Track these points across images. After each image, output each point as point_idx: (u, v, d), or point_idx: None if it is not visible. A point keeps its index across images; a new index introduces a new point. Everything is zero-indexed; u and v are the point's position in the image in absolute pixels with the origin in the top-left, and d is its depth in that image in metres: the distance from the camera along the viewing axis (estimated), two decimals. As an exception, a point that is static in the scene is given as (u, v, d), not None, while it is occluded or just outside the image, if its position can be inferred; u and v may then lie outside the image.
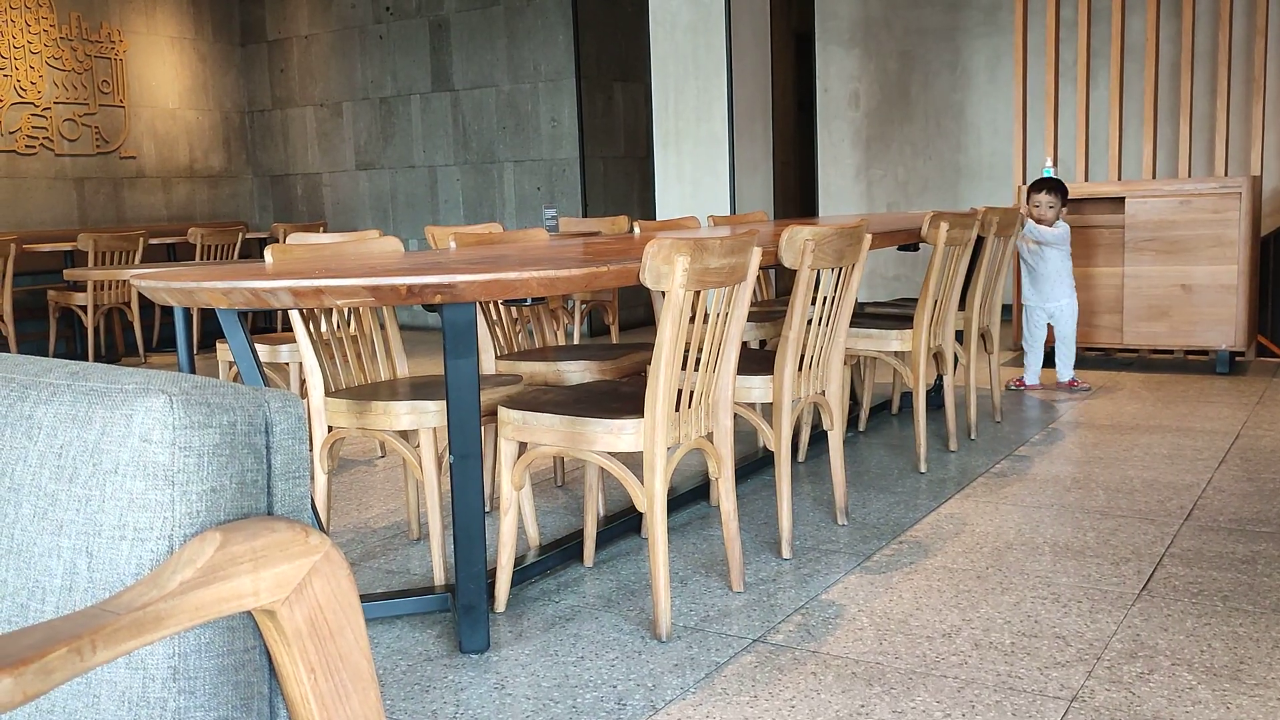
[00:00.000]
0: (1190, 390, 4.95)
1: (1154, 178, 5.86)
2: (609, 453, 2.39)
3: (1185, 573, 2.66)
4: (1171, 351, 5.56)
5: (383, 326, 3.04)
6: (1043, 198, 4.87)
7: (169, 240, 7.98)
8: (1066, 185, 4.96)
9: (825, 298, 2.93)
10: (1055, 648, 2.25)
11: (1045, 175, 5.12)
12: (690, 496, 3.43)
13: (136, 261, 7.21)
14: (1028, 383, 5.10)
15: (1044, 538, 2.96)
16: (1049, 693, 2.05)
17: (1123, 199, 5.45)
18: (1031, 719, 1.96)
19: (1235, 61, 5.84)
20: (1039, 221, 4.87)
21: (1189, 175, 5.83)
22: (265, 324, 8.14)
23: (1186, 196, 5.28)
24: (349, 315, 2.97)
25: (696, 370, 2.44)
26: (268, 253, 2.78)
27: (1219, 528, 2.99)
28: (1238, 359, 5.46)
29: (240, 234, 8.08)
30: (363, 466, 4.09)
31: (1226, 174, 5.71)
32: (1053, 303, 5.03)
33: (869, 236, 3.02)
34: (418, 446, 2.66)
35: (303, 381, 2.86)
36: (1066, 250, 4.94)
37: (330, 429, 2.72)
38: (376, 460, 4.18)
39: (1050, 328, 5.13)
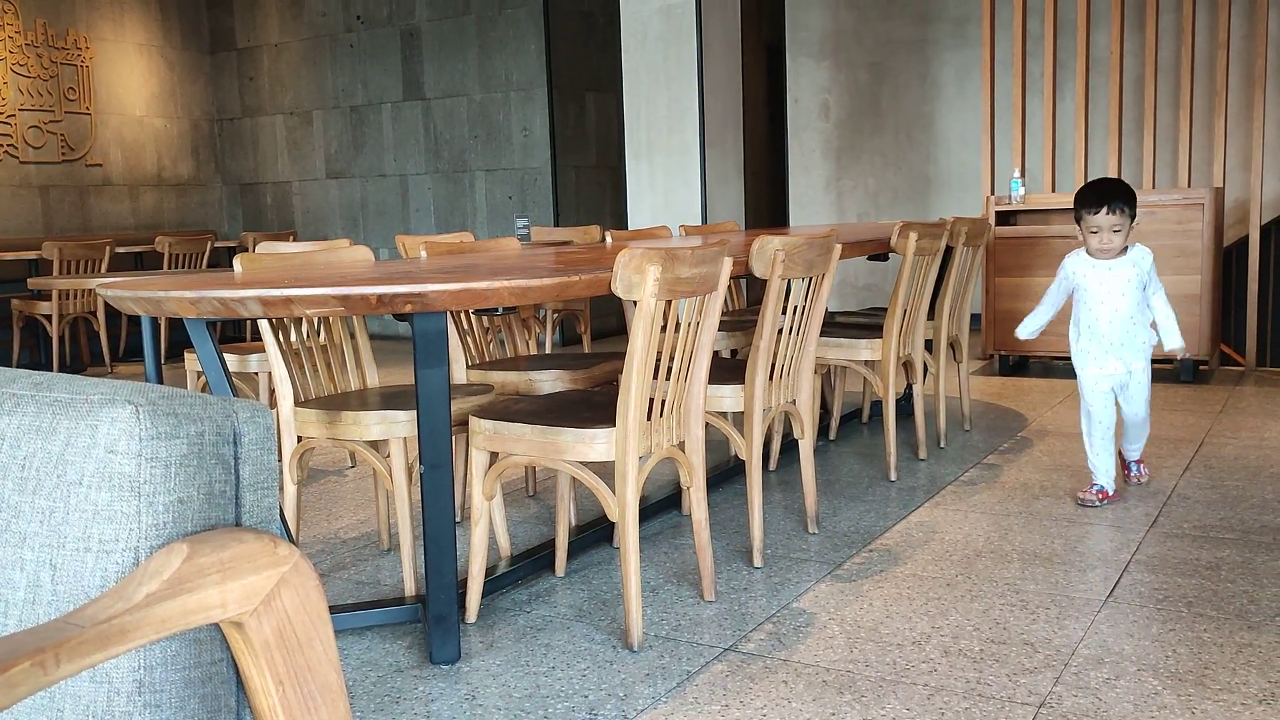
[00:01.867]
0: (1155, 399, 5.00)
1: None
2: (581, 462, 2.38)
3: (1150, 579, 2.69)
4: (1137, 360, 5.61)
5: (353, 336, 3.02)
6: (1103, 219, 3.16)
7: (136, 249, 7.91)
8: (1132, 191, 3.26)
9: (796, 307, 2.95)
10: (1023, 654, 2.27)
11: (1100, 181, 3.32)
12: (662, 506, 3.43)
13: (103, 270, 7.14)
14: (1105, 489, 3.33)
15: (1012, 545, 2.98)
16: (1017, 699, 2.07)
17: (1089, 210, 5.50)
18: (1000, 726, 1.97)
19: (1198, 75, 5.93)
20: (1100, 253, 3.22)
21: (1153, 187, 5.90)
22: (234, 334, 8.08)
23: (1151, 208, 5.35)
24: (319, 325, 2.96)
25: (668, 379, 2.44)
26: (236, 262, 2.76)
27: (1184, 535, 3.02)
28: (1201, 368, 5.53)
29: (209, 243, 8.02)
30: (333, 477, 4.07)
31: (1189, 186, 5.79)
32: (1121, 365, 3.28)
33: (839, 246, 3.04)
34: (388, 456, 2.65)
35: (272, 391, 2.84)
36: (1155, 288, 3.30)
37: (300, 439, 2.70)
38: (347, 471, 4.15)
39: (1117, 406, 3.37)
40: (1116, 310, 3.24)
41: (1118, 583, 2.67)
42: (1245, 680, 2.13)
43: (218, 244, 8.43)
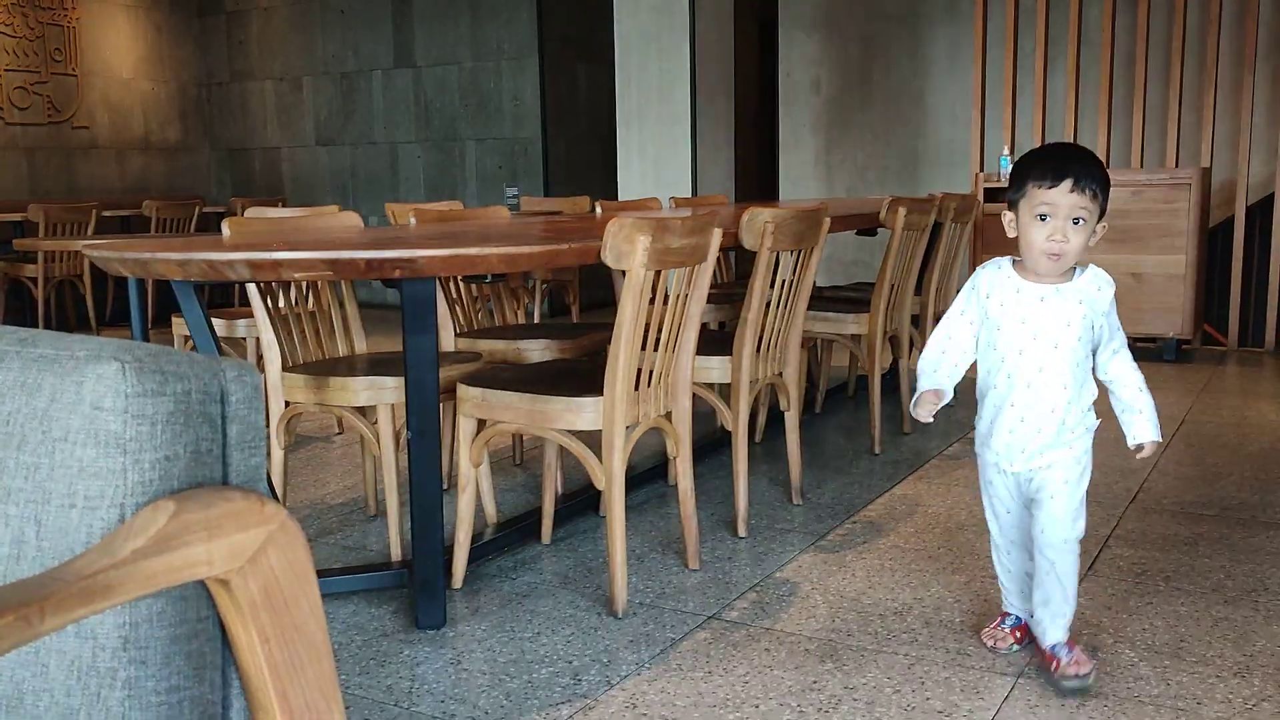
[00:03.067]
0: (1140, 377, 5.03)
1: (1108, 167, 5.93)
2: (568, 431, 2.39)
3: (1129, 554, 2.72)
4: (1123, 339, 5.64)
5: (342, 304, 3.01)
6: (1063, 197, 1.91)
7: (123, 213, 7.85)
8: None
9: (784, 280, 2.95)
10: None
11: (1060, 145, 2.06)
12: (648, 476, 3.44)
13: (89, 234, 7.08)
14: (1021, 623, 2.20)
15: (995, 519, 3.01)
16: (997, 669, 2.09)
17: (1078, 187, 5.51)
18: (980, 694, 1.99)
19: (1188, 54, 5.92)
20: (1043, 259, 1.94)
21: (1141, 166, 5.91)
22: (222, 300, 8.04)
23: (1138, 187, 5.37)
24: (307, 291, 2.95)
25: (656, 350, 2.45)
26: (225, 225, 2.75)
27: (1163, 510, 3.05)
28: (1184, 347, 5.56)
29: (196, 208, 7.96)
30: (320, 443, 4.07)
31: (1177, 165, 5.80)
32: (1037, 460, 2.03)
33: (828, 220, 3.04)
34: (375, 423, 2.65)
35: (259, 357, 2.84)
36: (1117, 340, 2.06)
37: (287, 404, 2.70)
38: (334, 437, 4.15)
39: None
40: (1045, 369, 1.95)
41: (1097, 557, 2.70)
42: (1220, 653, 2.16)
43: (206, 209, 8.37)
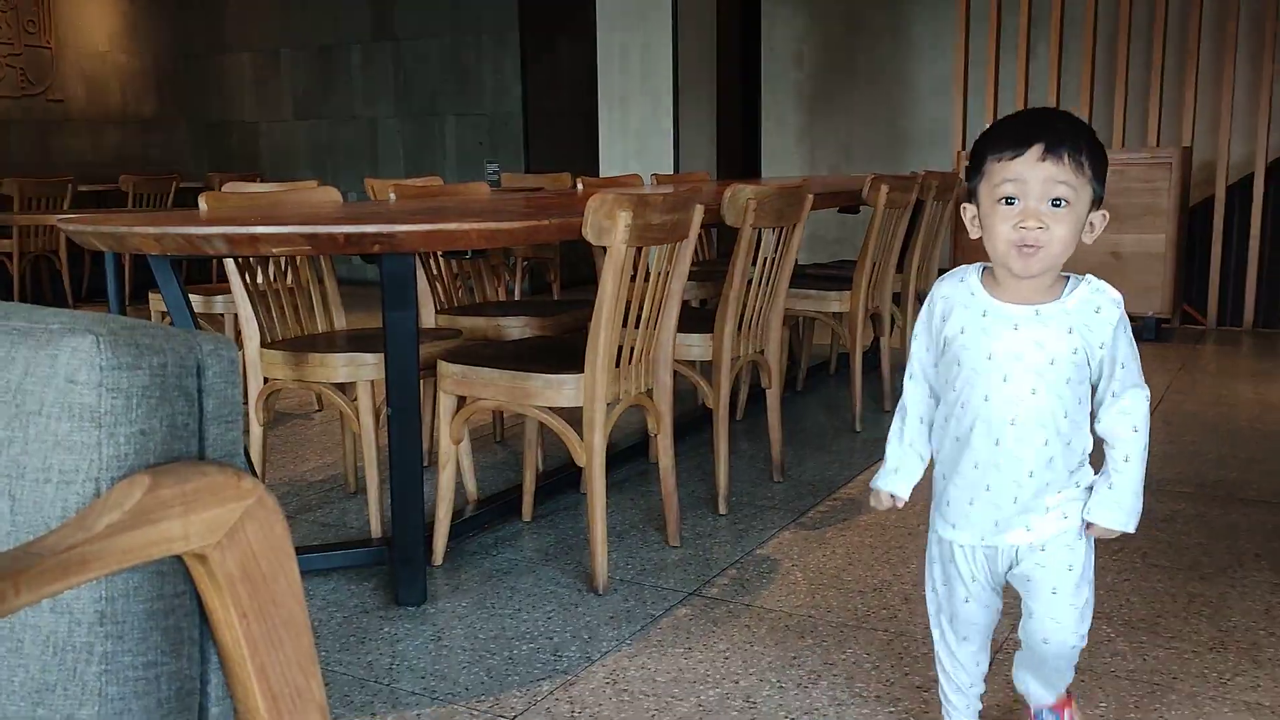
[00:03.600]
0: (1118, 356, 5.06)
1: (1090, 146, 5.94)
2: (549, 407, 2.39)
3: (1108, 531, 2.73)
4: (1102, 318, 5.66)
5: (320, 280, 2.99)
6: (1031, 169, 1.40)
7: (98, 187, 7.76)
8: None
9: (766, 258, 2.95)
10: (982, 602, 2.31)
11: (1032, 111, 1.53)
12: (629, 453, 3.44)
13: (65, 208, 7.01)
14: None
15: (974, 496, 3.02)
16: (974, 645, 2.11)
17: (1059, 167, 5.52)
18: (957, 670, 2.01)
19: (1170, 34, 5.93)
20: (1018, 253, 1.42)
21: (1123, 145, 5.93)
22: (200, 276, 7.98)
23: (1120, 166, 5.38)
24: (286, 266, 2.92)
25: (637, 327, 2.44)
26: (202, 200, 2.72)
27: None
28: (1164, 326, 5.60)
29: (174, 183, 7.88)
30: (299, 420, 4.05)
31: (1159, 145, 5.82)
32: (1019, 534, 1.53)
33: (810, 197, 3.03)
34: (355, 399, 2.63)
35: (238, 333, 2.81)
36: (1126, 377, 1.48)
37: (266, 380, 2.68)
38: (313, 414, 4.13)
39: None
40: (1020, 421, 1.46)
41: (1075, 534, 2.72)
42: (1196, 629, 2.18)
43: (183, 184, 8.29)
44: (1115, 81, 5.98)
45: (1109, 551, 2.59)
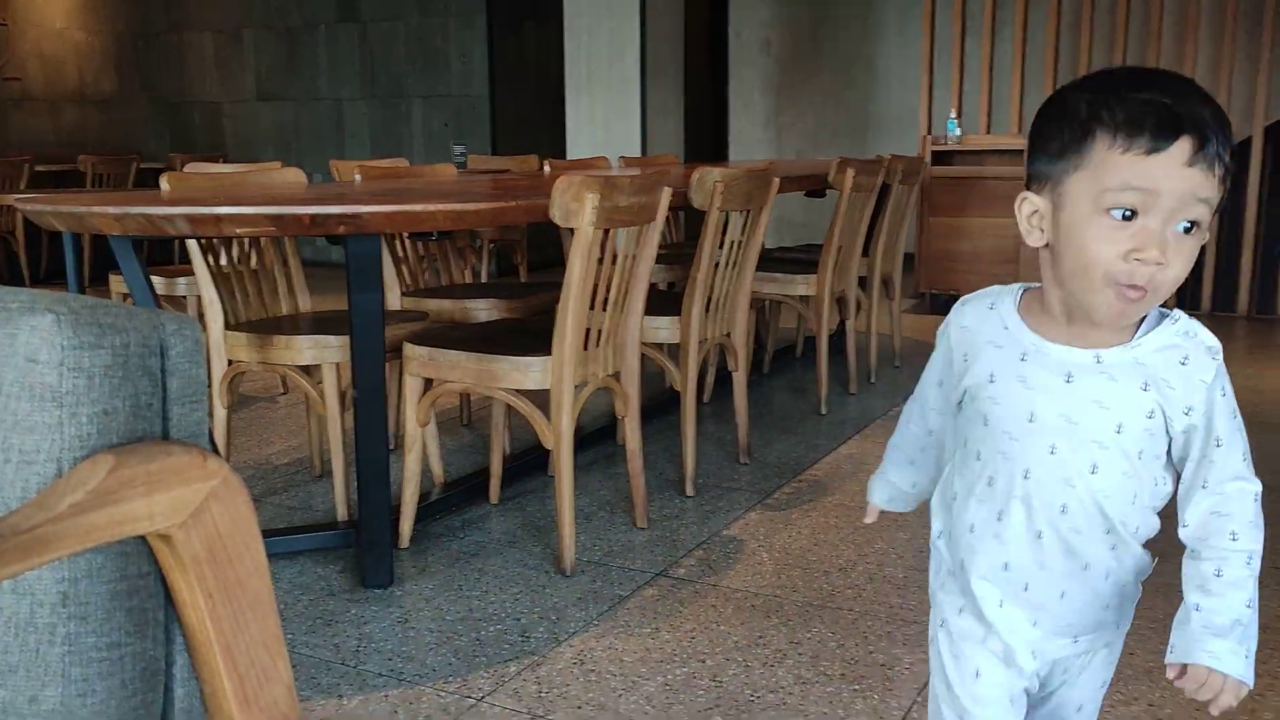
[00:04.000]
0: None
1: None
2: (516, 390, 2.38)
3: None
4: (1064, 302, 5.72)
5: (285, 261, 2.97)
6: (1171, 177, 0.95)
7: (56, 168, 7.63)
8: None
9: (733, 241, 2.95)
10: (945, 581, 2.34)
11: (1150, 72, 0.99)
12: (597, 436, 3.45)
13: (22, 188, 6.89)
14: None
15: (938, 478, 3.05)
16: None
17: (1023, 151, 5.57)
18: (921, 647, 2.03)
19: (1133, 19, 5.99)
20: (1131, 295, 0.99)
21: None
22: (161, 257, 7.88)
23: (1083, 151, 5.43)
24: (250, 247, 2.90)
25: (605, 309, 2.44)
26: (163, 180, 2.69)
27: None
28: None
29: (134, 163, 7.77)
30: (264, 403, 4.02)
31: (1122, 130, 5.86)
32: (1060, 643, 1.15)
33: (777, 180, 3.04)
34: (320, 382, 2.62)
35: (201, 315, 2.79)
36: (1227, 464, 1.05)
37: (230, 363, 2.66)
38: (278, 397, 4.10)
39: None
40: (1072, 509, 1.09)
41: (1037, 514, 2.76)
42: (1152, 605, 2.21)
43: (144, 165, 8.17)
44: (1078, 66, 6.03)
45: (1069, 531, 2.63)
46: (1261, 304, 5.79)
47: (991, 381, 1.09)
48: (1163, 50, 5.85)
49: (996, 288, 1.14)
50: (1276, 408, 3.80)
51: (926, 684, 1.89)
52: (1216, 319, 5.71)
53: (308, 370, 2.66)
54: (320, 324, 2.70)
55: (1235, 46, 5.65)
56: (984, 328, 1.12)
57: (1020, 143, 5.62)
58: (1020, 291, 1.11)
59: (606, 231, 2.36)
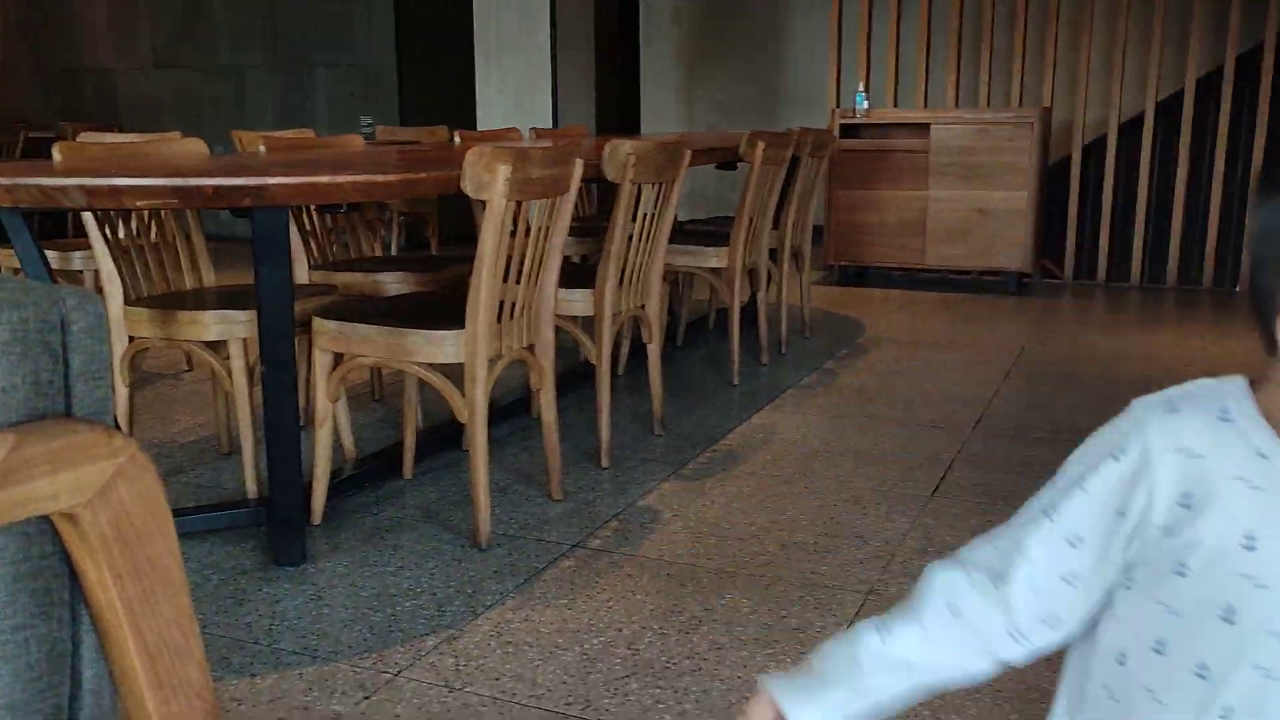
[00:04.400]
0: (982, 309, 5.27)
1: (956, 106, 6.13)
2: (429, 364, 2.37)
3: (972, 476, 2.86)
4: (969, 272, 5.88)
5: (187, 235, 2.89)
6: None
7: (-62, 137, 7.29)
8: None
9: (645, 214, 2.96)
10: (855, 546, 2.40)
11: None
12: (510, 409, 3.44)
13: (-99, 160, 6.56)
14: None
15: (847, 445, 3.12)
16: (848, 587, 2.19)
17: (928, 125, 5.69)
18: (832, 611, 2.09)
19: (1034, -3, 6.13)
20: None
21: (988, 105, 6.12)
22: (54, 230, 7.59)
23: (985, 125, 5.56)
24: (150, 220, 2.81)
25: (518, 283, 2.43)
26: (56, 150, 2.59)
27: (1002, 435, 3.22)
28: (1024, 280, 5.83)
29: (22, 132, 7.45)
30: (168, 380, 3.92)
31: (1020, 105, 6.02)
32: None
33: (689, 153, 3.05)
34: (227, 358, 2.56)
35: (99, 290, 2.70)
36: None
37: (131, 339, 2.58)
38: (182, 374, 4.00)
39: None
40: None
41: (942, 479, 2.84)
42: (1051, 565, 2.30)
43: (33, 135, 7.84)
44: (981, 45, 6.15)
45: (974, 495, 2.71)
46: (1152, 274, 6.01)
47: (1250, 549, 0.69)
48: (1061, 29, 6.00)
49: (1209, 382, 0.75)
50: (1166, 373, 3.96)
51: (837, 646, 1.95)
52: (1109, 289, 5.91)
53: (213, 346, 2.60)
54: (226, 299, 2.64)
55: (1130, 24, 5.83)
56: (1223, 454, 0.71)
57: (926, 117, 5.73)
58: (1246, 385, 0.74)
59: (519, 204, 2.35)
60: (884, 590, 2.17)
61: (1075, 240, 6.10)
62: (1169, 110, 5.89)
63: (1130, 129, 5.97)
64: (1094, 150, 6.13)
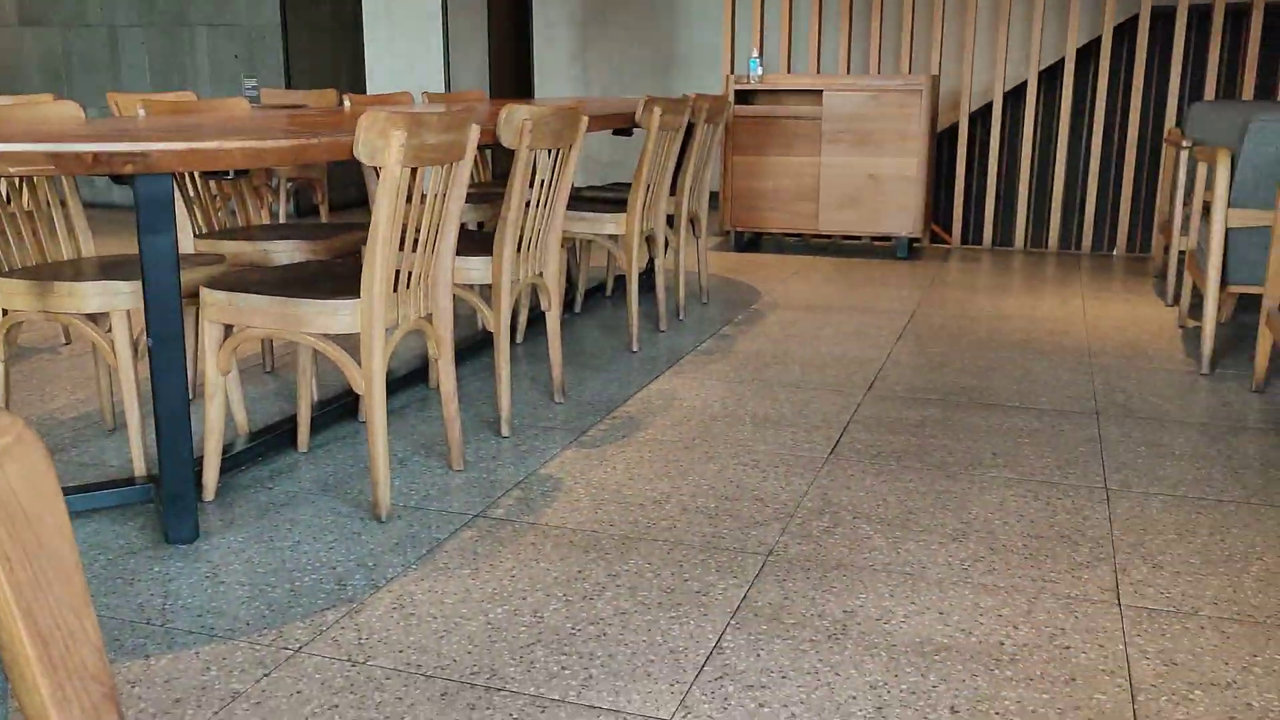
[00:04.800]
0: (875, 274, 5.39)
1: (849, 73, 6.22)
2: (323, 334, 2.32)
3: (866, 437, 2.94)
4: (861, 238, 6.00)
5: (63, 203, 2.76)
6: None
7: None
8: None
9: (542, 180, 2.94)
10: (754, 509, 2.44)
11: None
12: (408, 379, 3.40)
13: None
14: None
15: (745, 410, 3.17)
16: (748, 549, 2.23)
17: (821, 92, 5.76)
18: (733, 573, 2.12)
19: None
20: None
21: (879, 72, 6.22)
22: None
23: (877, 92, 5.65)
24: (21, 186, 2.68)
25: (414, 250, 2.39)
26: (-84, 113, 2.45)
27: (895, 397, 3.31)
28: (915, 245, 5.97)
29: (-125, 93, 7.01)
30: (44, 355, 3.76)
31: (910, 73, 6.14)
32: None
33: (586, 118, 3.04)
34: (109, 330, 2.47)
35: (-33, 260, 2.57)
36: None
37: (5, 313, 2.47)
38: (60, 348, 3.84)
39: None
40: None
41: (838, 441, 2.90)
42: (942, 522, 2.38)
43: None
44: (872, 13, 6.24)
45: (869, 456, 2.78)
46: (1035, 239, 6.21)
47: None
48: (947, 3, 6.12)
49: None
50: (1049, 334, 4.11)
51: (739, 608, 1.98)
52: (995, 253, 6.09)
53: (94, 319, 2.50)
54: (107, 269, 2.54)
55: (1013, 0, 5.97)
56: None
57: (818, 83, 5.79)
58: None
59: (414, 170, 2.31)
60: (783, 552, 2.22)
61: (963, 206, 6.26)
62: (1051, 78, 6.07)
63: (1014, 97, 6.14)
64: (980, 118, 6.29)
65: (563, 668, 1.78)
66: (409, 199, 2.32)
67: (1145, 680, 1.75)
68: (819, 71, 6.32)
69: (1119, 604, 2.01)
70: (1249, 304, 4.56)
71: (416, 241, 2.39)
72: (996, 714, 1.66)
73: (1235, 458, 2.80)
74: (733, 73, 6.17)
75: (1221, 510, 2.45)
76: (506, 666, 1.78)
